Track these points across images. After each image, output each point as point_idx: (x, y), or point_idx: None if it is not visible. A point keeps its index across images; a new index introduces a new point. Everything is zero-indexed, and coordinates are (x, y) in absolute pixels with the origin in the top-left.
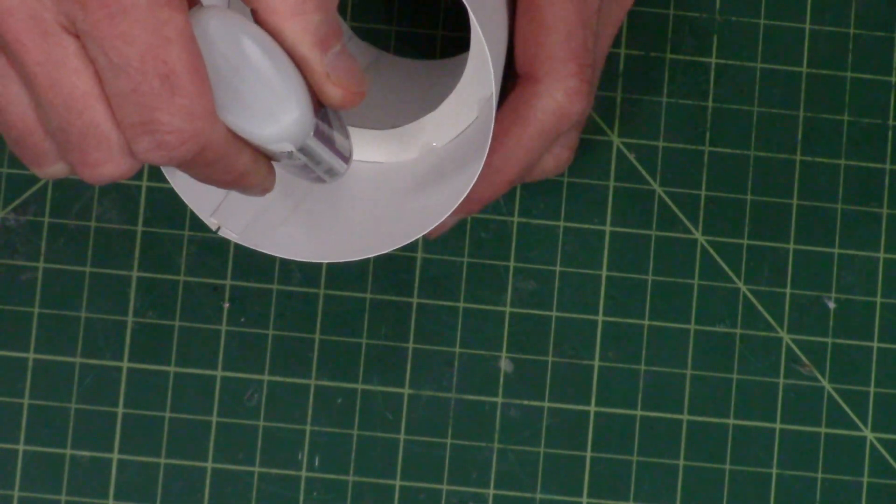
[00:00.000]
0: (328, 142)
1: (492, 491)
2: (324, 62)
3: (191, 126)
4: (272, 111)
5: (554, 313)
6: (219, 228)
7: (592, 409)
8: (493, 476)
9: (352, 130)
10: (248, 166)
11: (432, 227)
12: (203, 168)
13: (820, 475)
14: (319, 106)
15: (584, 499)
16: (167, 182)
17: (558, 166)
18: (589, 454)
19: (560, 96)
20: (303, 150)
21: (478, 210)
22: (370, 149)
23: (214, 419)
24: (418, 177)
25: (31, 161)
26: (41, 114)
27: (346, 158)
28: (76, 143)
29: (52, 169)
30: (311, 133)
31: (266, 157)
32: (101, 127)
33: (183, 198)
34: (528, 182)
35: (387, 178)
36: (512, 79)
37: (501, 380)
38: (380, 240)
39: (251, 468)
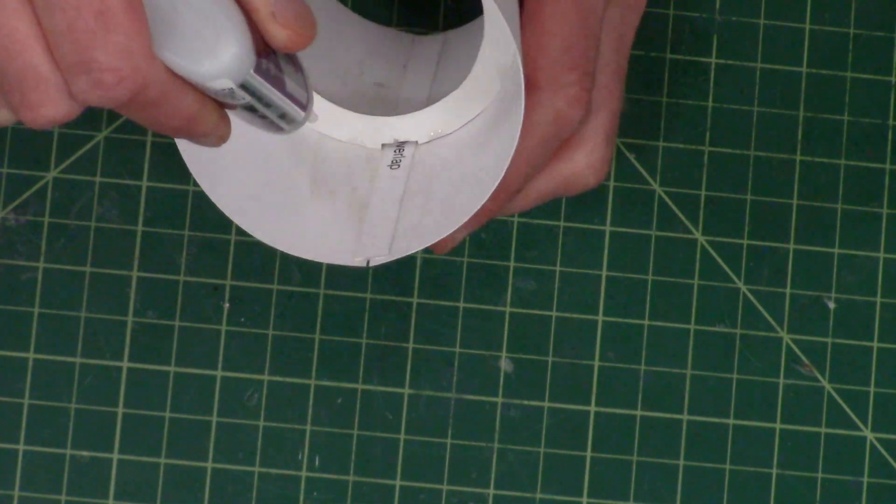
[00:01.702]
0: (277, 84)
1: (492, 491)
2: (269, 1)
3: (128, 64)
4: (209, 46)
5: (554, 313)
6: (368, 262)
7: (592, 409)
8: (493, 476)
9: (437, 105)
10: (195, 109)
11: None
12: (146, 110)
13: (820, 475)
14: (267, 47)
15: (584, 499)
16: (167, 182)
17: (598, 180)
18: (589, 454)
19: (561, 104)
20: (246, 88)
21: (484, 222)
22: (454, 115)
23: (214, 419)
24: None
25: None
26: None
27: (303, 105)
28: (16, 85)
29: None
30: (251, 69)
31: (215, 102)
32: (39, 68)
33: (314, 257)
34: (568, 196)
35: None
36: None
37: (501, 380)
38: (466, 206)
39: (251, 468)
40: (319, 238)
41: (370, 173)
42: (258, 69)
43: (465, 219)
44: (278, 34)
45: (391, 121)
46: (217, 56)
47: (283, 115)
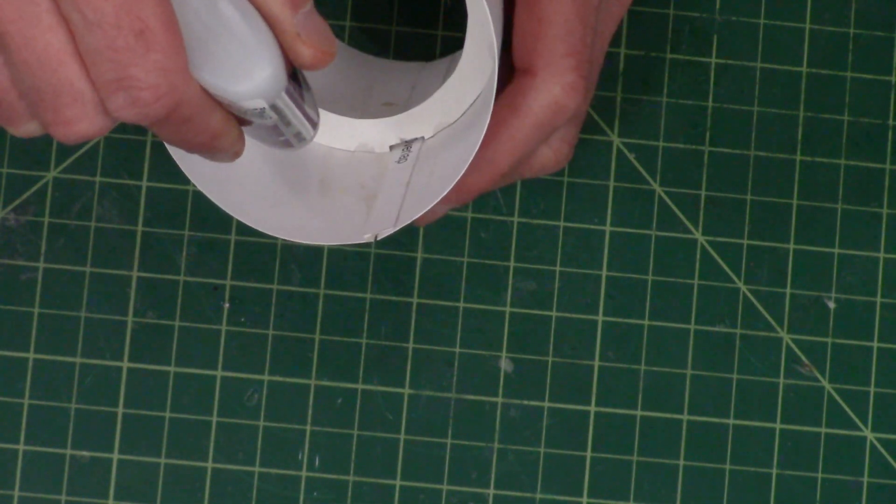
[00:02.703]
0: (298, 104)
1: (492, 491)
2: (294, 21)
3: (165, 82)
4: (245, 67)
5: (554, 313)
6: (376, 236)
7: (592, 409)
8: (493, 476)
9: (437, 94)
10: (221, 127)
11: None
12: (177, 127)
13: (820, 475)
14: (290, 67)
15: (584, 499)
16: (167, 182)
17: (558, 162)
18: (589, 454)
19: (557, 90)
20: (274, 108)
21: (469, 200)
22: (455, 101)
23: (214, 419)
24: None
25: (5, 120)
26: (14, 73)
27: (315, 124)
28: (50, 101)
29: (25, 128)
30: (283, 91)
31: (235, 120)
32: (75, 84)
33: (324, 241)
34: (527, 178)
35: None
36: (509, 72)
37: (501, 380)
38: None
39: (251, 468)
40: (326, 225)
41: (379, 172)
42: (286, 91)
43: (450, 186)
44: (304, 53)
45: (397, 120)
46: (253, 77)
47: (297, 134)
